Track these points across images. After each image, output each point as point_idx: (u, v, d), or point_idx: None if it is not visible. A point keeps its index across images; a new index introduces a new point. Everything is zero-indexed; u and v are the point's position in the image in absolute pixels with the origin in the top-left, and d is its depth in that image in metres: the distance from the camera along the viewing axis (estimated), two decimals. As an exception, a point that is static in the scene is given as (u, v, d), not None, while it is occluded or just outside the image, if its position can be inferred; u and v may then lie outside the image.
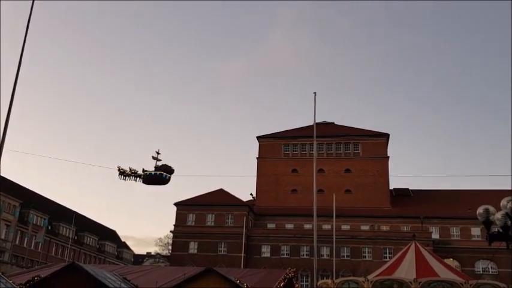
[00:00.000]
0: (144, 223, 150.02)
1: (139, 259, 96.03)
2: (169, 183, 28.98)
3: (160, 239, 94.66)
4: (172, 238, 63.47)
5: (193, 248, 60.60)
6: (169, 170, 29.14)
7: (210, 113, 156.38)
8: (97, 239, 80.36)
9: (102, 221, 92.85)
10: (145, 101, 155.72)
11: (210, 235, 60.18)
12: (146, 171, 28.75)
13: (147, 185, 28.26)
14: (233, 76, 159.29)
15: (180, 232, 61.36)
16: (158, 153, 28.40)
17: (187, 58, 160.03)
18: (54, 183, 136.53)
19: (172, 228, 62.87)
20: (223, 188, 65.37)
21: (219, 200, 61.69)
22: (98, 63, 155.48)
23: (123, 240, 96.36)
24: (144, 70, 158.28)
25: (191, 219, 62.35)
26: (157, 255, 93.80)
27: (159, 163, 27.67)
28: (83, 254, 75.36)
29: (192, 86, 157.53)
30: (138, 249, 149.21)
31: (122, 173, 28.56)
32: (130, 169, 28.82)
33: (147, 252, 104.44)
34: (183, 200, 63.66)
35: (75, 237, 73.37)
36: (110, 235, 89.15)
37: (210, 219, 61.92)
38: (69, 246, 67.13)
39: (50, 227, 67.36)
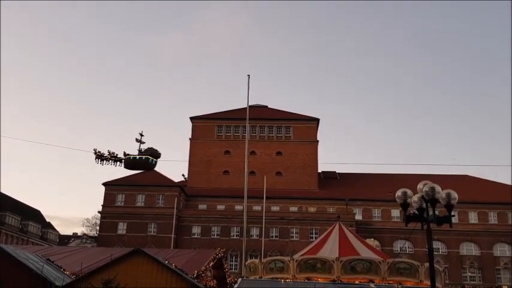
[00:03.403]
0: (71, 203, 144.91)
1: (65, 240, 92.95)
2: (155, 167, 27.44)
3: (87, 219, 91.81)
4: (100, 219, 62.05)
5: (122, 228, 59.63)
6: (156, 154, 27.64)
7: (143, 91, 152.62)
8: (19, 218, 76.75)
9: (25, 200, 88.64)
10: (63, 81, 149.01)
11: (140, 216, 59.44)
12: (129, 155, 27.02)
13: (130, 170, 26.69)
14: (167, 54, 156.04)
15: (109, 213, 60.10)
16: (142, 135, 26.74)
17: (119, 33, 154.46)
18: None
19: (100, 208, 61.42)
20: (154, 168, 64.34)
21: (149, 180, 60.84)
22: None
23: (48, 220, 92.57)
24: (67, 45, 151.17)
25: (120, 199, 61.17)
26: (84, 236, 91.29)
27: (144, 146, 26.02)
28: (4, 235, 71.89)
29: (122, 63, 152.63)
30: (64, 230, 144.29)
31: (99, 157, 26.72)
32: (109, 152, 27.02)
33: (74, 233, 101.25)
34: (112, 179, 62.22)
35: (-5, 217, 69.69)
36: (33, 215, 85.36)
37: (140, 200, 61.05)
38: (-13, 226, 63.66)
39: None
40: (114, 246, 45.91)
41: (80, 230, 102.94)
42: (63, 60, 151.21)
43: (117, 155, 26.95)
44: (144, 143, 26.09)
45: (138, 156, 26.97)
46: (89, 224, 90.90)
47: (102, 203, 61.13)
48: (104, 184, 61.91)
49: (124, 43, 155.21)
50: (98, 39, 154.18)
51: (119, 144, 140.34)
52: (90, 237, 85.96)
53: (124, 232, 59.23)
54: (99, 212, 62.00)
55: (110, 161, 26.92)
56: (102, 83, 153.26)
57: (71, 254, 23.54)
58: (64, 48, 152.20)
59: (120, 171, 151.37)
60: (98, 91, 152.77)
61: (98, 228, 70.24)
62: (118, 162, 26.99)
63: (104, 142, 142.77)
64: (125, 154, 27.14)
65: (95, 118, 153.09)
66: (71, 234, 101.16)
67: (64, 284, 17.03)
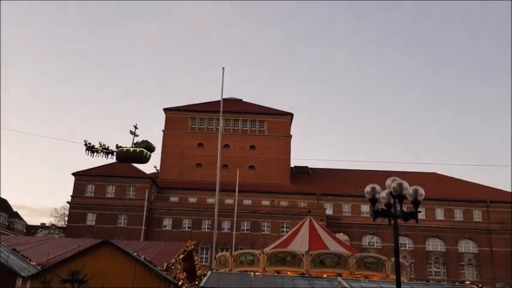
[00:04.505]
0: (39, 192, 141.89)
1: (32, 230, 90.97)
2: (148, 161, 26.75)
3: (55, 209, 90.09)
4: (69, 209, 61.09)
5: (91, 219, 58.88)
6: (150, 148, 27.06)
7: (115, 80, 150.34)
8: (-16, 208, 74.84)
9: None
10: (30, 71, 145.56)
11: (110, 207, 58.76)
12: (121, 147, 26.42)
13: (123, 163, 26.01)
14: (140, 43, 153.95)
15: (78, 203, 59.20)
16: (136, 127, 26.09)
17: (92, 21, 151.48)
18: None
19: (69, 199, 60.41)
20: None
21: (120, 171, 60.05)
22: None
23: (15, 210, 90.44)
24: (38, 29, 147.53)
25: (90, 190, 60.30)
26: (52, 227, 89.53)
27: (137, 139, 25.38)
28: (-32, 224, 69.96)
29: (93, 51, 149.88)
30: (32, 220, 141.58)
31: (90, 148, 26.09)
32: (100, 144, 26.41)
33: (42, 223, 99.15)
34: (82, 170, 61.21)
35: (-41, 206, 67.70)
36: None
37: (110, 191, 60.30)
38: (-49, 215, 61.82)
39: None
40: (82, 237, 45.32)
41: (48, 221, 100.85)
42: (35, 45, 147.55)
43: (108, 147, 26.53)
44: (138, 135, 25.59)
45: (132, 149, 26.55)
46: (57, 215, 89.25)
47: (71, 193, 60.17)
48: (73, 174, 60.84)
49: (96, 31, 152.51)
50: (72, 27, 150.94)
51: (91, 134, 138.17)
52: (59, 227, 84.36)
53: (93, 223, 58.52)
54: (68, 202, 60.95)
55: (101, 153, 26.54)
56: (73, 70, 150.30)
57: (37, 244, 23.10)
58: (36, 33, 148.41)
59: (90, 161, 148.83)
60: (67, 80, 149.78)
61: (66, 218, 69.10)
62: (110, 155, 26.60)
63: (75, 130, 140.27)
64: (117, 146, 26.71)
65: (64, 106, 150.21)
66: (39, 224, 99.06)
67: (30, 274, 16.73)
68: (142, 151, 25.08)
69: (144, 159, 25.48)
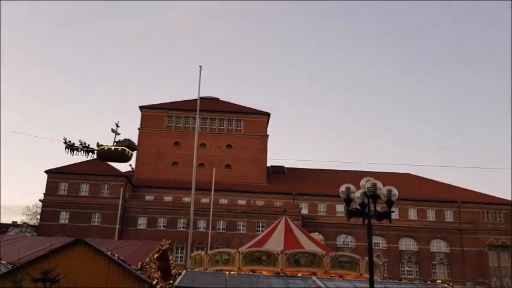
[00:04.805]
0: (11, 190, 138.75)
1: (3, 228, 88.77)
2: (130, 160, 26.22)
3: (28, 207, 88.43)
4: (42, 207, 60.07)
5: (64, 218, 58.02)
6: (133, 146, 26.51)
7: (91, 77, 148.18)
8: (-48, 206, 72.88)
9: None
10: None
11: (84, 205, 58.04)
12: (102, 145, 25.79)
13: (103, 161, 25.45)
14: (118, 40, 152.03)
15: (51, 201, 58.29)
16: (118, 125, 25.60)
17: (68, 16, 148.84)
18: None
19: (42, 196, 59.34)
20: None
21: (95, 169, 59.28)
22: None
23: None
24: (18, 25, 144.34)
25: (63, 188, 59.44)
26: (24, 225, 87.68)
27: (119, 137, 24.88)
28: None
29: (69, 47, 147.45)
30: (3, 218, 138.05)
31: (70, 147, 25.44)
32: (80, 142, 25.80)
33: (13, 222, 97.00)
34: (55, 167, 60.21)
35: None
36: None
37: (84, 189, 59.55)
38: None
39: None
40: (55, 236, 44.57)
41: (19, 219, 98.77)
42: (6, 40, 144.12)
43: (89, 145, 25.99)
44: (120, 134, 25.21)
45: (113, 148, 26.03)
46: (29, 213, 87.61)
47: (44, 191, 59.15)
48: (46, 172, 59.85)
49: (72, 27, 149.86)
50: (47, 23, 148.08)
51: (65, 131, 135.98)
52: (31, 226, 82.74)
53: (66, 222, 57.69)
54: (40, 200, 59.93)
55: (82, 151, 26.01)
56: (45, 65, 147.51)
57: (8, 242, 22.62)
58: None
59: (64, 159, 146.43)
60: (40, 75, 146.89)
61: (38, 217, 67.90)
62: (90, 153, 26.10)
63: (48, 127, 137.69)
64: (98, 145, 26.21)
65: (38, 102, 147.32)
66: (10, 222, 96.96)
67: (0, 273, 16.39)
68: (124, 150, 24.63)
69: (126, 158, 25.04)
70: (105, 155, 26.50)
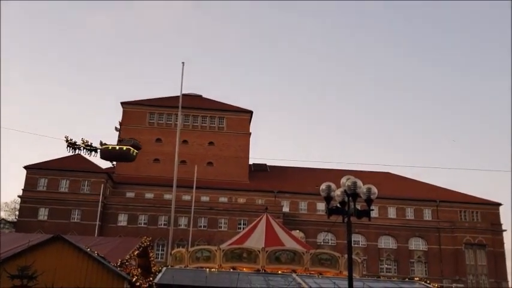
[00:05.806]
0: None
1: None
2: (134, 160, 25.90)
3: (6, 203, 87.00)
4: (20, 203, 59.23)
5: (43, 214, 57.27)
6: (137, 146, 26.21)
7: (73, 73, 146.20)
8: None
9: None
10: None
11: (63, 202, 57.36)
12: (106, 145, 25.47)
13: (106, 160, 25.06)
14: (100, 35, 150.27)
15: (30, 197, 57.49)
16: (122, 124, 25.32)
17: (48, 10, 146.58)
18: None
19: (20, 192, 58.47)
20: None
21: (75, 165, 58.67)
22: None
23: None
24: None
25: (43, 184, 58.65)
26: (2, 221, 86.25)
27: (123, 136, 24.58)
28: None
29: (49, 42, 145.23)
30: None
31: (71, 145, 25.02)
32: (83, 141, 25.38)
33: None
34: (34, 163, 59.37)
35: None
36: None
37: (63, 185, 58.83)
38: None
39: None
40: (34, 232, 43.89)
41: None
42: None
43: (91, 144, 25.66)
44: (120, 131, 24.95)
45: (118, 147, 25.77)
46: (7, 209, 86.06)
47: (22, 187, 58.30)
48: (25, 167, 58.98)
49: (52, 21, 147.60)
50: (26, 18, 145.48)
51: (44, 127, 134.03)
52: (9, 222, 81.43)
53: (45, 218, 56.96)
54: (19, 196, 59.06)
55: (84, 150, 25.68)
56: (25, 61, 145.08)
57: (-15, 239, 22.27)
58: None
59: (43, 155, 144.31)
60: (22, 69, 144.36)
61: (17, 213, 66.89)
62: (93, 152, 25.74)
63: (27, 122, 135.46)
64: (101, 144, 25.88)
65: (16, 97, 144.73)
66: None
67: (-24, 270, 16.15)
68: (129, 149, 24.44)
69: (131, 157, 24.90)
70: (109, 154, 26.29)
